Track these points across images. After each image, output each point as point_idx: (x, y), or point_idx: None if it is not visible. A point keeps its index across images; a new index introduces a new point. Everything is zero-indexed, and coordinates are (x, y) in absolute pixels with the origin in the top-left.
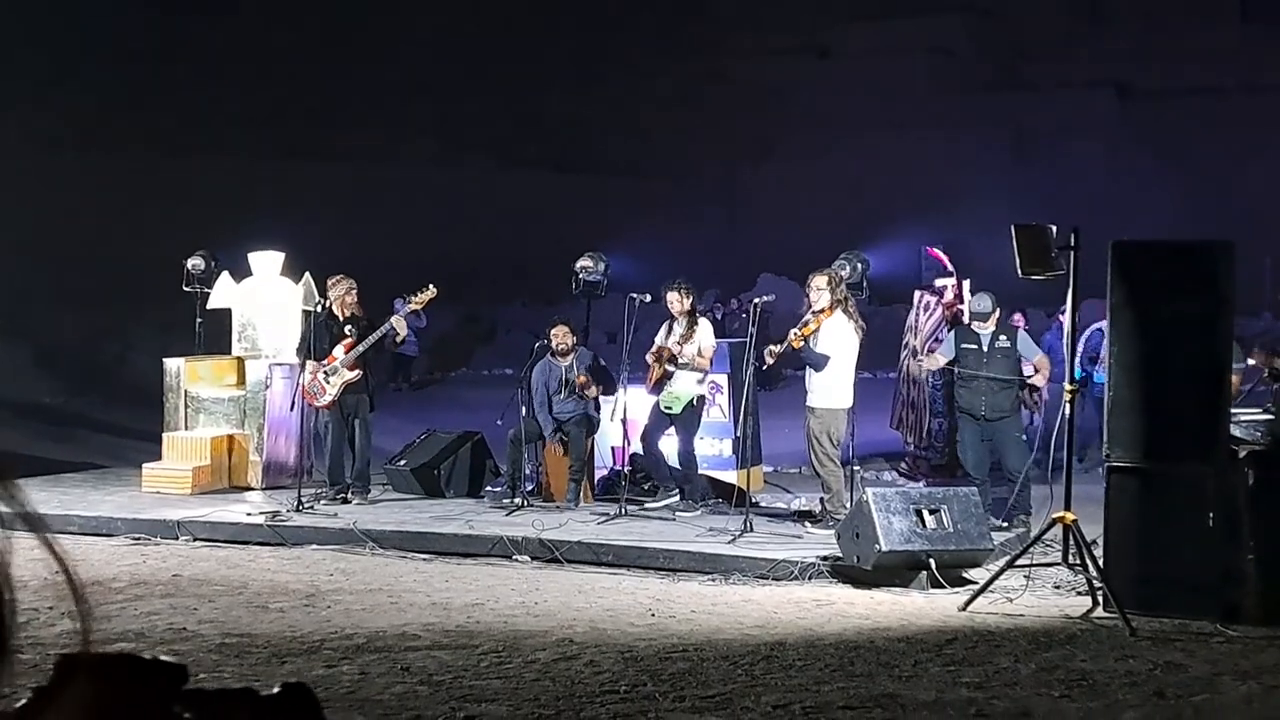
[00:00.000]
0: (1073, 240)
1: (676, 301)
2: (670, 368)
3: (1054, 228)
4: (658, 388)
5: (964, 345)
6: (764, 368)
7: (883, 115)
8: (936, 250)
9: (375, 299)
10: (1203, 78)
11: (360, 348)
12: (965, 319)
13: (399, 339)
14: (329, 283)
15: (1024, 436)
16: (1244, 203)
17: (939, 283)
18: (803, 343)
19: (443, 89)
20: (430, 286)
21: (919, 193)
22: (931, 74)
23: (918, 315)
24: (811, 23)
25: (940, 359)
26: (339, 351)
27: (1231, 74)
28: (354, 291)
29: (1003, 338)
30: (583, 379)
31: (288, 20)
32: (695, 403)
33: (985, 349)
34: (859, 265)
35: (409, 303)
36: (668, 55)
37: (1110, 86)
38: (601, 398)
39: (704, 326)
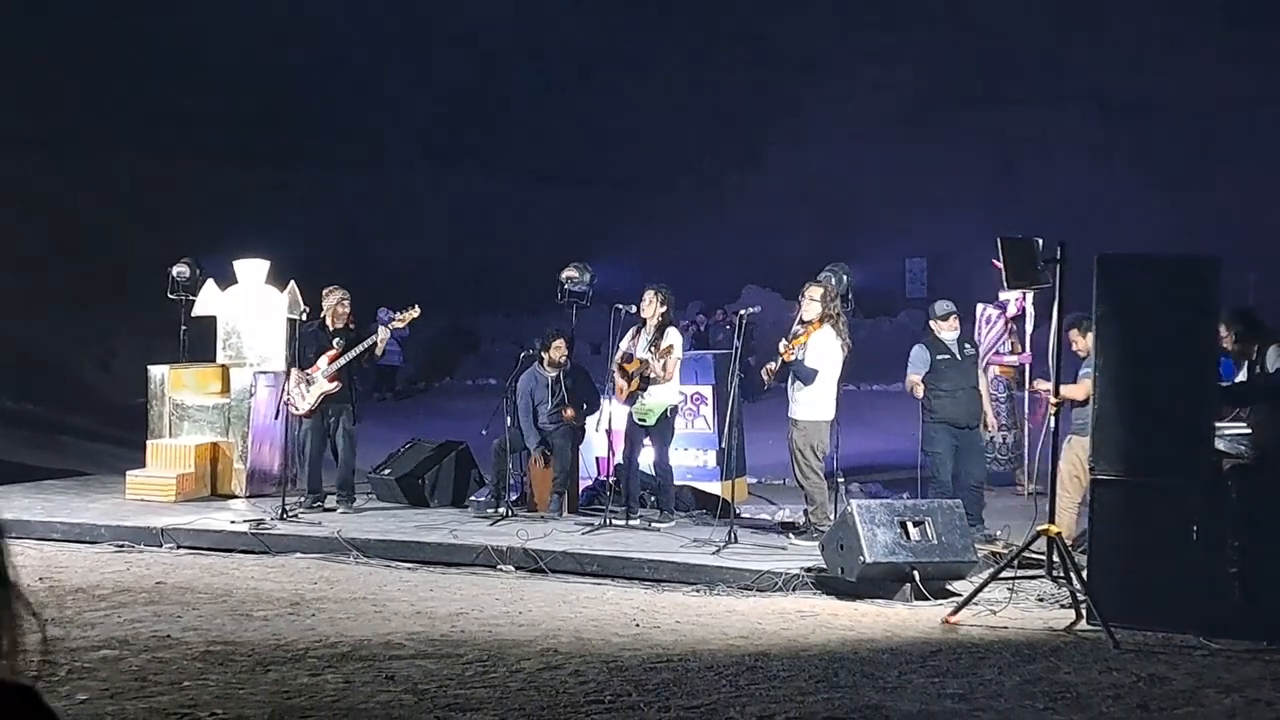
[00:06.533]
0: (1059, 254)
1: (649, 303)
2: (642, 383)
3: (1040, 241)
4: (630, 399)
5: (938, 357)
6: (765, 387)
7: (867, 127)
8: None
9: (359, 307)
10: (1186, 91)
11: (343, 360)
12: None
13: (378, 352)
14: (323, 293)
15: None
16: (1228, 216)
17: (1003, 295)
18: (793, 355)
19: (426, 98)
20: (415, 306)
21: (903, 205)
22: (916, 86)
23: (979, 328)
24: (796, 34)
25: (914, 377)
26: (323, 362)
27: (1215, 87)
28: (346, 302)
29: (968, 346)
30: (570, 412)
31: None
32: (670, 413)
33: (959, 357)
34: (844, 277)
35: (393, 318)
36: (652, 65)
37: (1093, 100)
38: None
39: (673, 337)
